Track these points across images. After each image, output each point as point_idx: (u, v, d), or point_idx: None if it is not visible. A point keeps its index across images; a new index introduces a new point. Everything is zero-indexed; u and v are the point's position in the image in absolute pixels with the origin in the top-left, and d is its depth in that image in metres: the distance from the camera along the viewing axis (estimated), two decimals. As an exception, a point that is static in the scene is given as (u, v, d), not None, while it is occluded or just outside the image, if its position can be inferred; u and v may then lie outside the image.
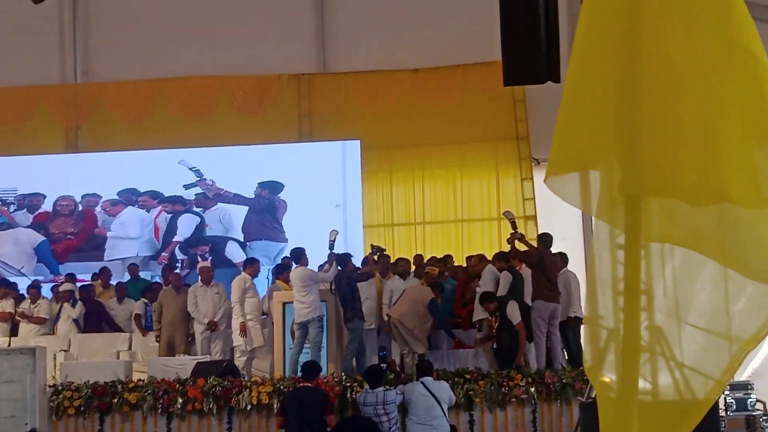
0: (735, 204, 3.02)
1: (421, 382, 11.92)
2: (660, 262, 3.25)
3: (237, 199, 20.65)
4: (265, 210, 20.52)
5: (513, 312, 13.46)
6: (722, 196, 3.02)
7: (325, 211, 19.91)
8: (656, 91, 3.09)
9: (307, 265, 14.81)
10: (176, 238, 20.62)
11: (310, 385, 11.81)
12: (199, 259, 19.09)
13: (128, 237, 20.65)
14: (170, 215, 20.68)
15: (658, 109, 3.08)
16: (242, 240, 20.49)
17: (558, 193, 3.32)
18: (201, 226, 20.70)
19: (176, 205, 20.68)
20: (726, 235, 3.13)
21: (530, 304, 14.17)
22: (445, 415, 11.76)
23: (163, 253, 20.42)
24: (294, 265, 15.09)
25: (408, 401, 11.85)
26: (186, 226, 20.67)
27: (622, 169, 3.13)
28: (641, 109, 3.09)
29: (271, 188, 20.55)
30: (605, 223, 3.35)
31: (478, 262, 15.36)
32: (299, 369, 14.01)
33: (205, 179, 20.68)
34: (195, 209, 20.71)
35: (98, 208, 20.74)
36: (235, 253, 20.29)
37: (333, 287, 14.61)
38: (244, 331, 14.83)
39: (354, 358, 14.25)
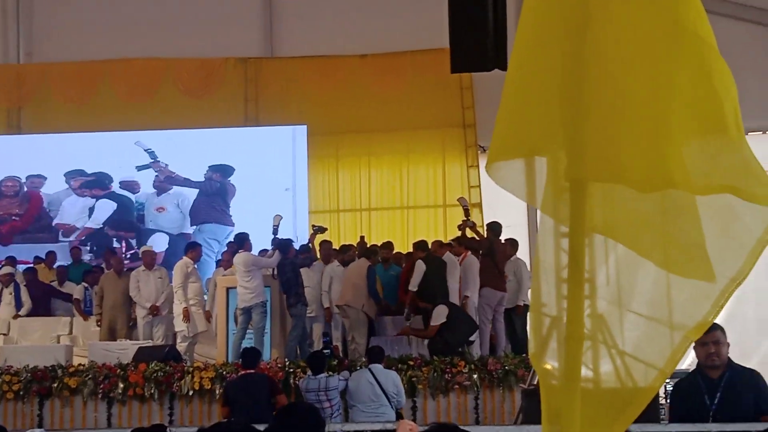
0: (679, 189, 3.02)
1: (369, 369, 11.82)
2: (603, 250, 3.25)
3: (187, 182, 20.48)
4: (216, 193, 20.41)
5: (437, 316, 13.45)
6: (667, 182, 3.01)
7: (275, 196, 19.82)
8: (602, 76, 3.07)
9: (250, 250, 14.73)
10: (88, 224, 20.41)
11: (251, 371, 11.71)
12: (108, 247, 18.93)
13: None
14: (94, 199, 20.52)
15: (604, 94, 3.06)
16: (188, 224, 20.35)
17: (500, 183, 3.29)
18: (124, 211, 20.46)
19: (94, 189, 20.48)
20: (669, 224, 3.13)
21: (468, 294, 14.31)
22: (391, 404, 11.60)
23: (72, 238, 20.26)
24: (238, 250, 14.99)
25: (354, 388, 11.68)
26: (102, 210, 20.47)
27: (567, 154, 3.10)
28: (587, 95, 3.07)
29: (223, 171, 20.44)
30: (549, 209, 3.33)
31: (438, 248, 15.39)
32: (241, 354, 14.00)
33: (159, 161, 20.48)
34: (120, 193, 20.47)
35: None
36: (160, 244, 20.04)
37: (275, 273, 14.56)
38: (186, 316, 14.74)
39: (297, 344, 14.23)
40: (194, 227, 20.32)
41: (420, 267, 14.36)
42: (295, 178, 20.28)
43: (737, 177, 3.01)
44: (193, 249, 15.69)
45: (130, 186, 20.59)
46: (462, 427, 3.56)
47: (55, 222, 20.48)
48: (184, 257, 15.46)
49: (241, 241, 14.83)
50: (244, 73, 20.90)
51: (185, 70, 20.75)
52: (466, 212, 15.20)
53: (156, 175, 20.54)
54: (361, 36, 20.15)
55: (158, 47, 20.55)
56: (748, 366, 6.77)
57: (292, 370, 13.03)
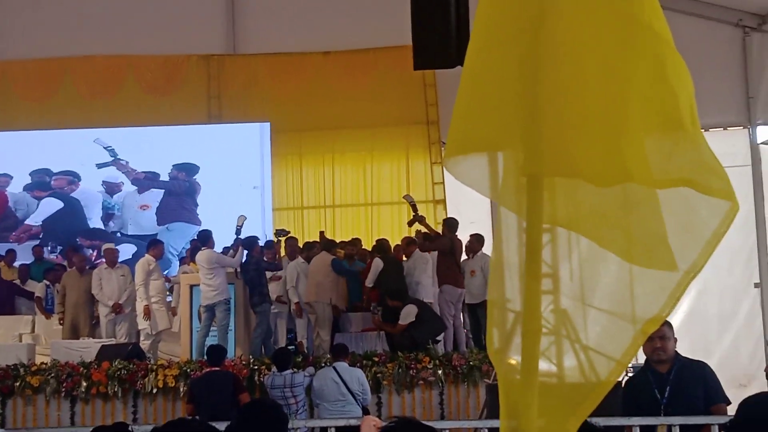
0: (637, 182, 3.06)
1: (334, 368, 11.80)
2: (567, 245, 3.28)
3: (154, 182, 20.37)
4: (185, 193, 20.32)
5: (406, 315, 13.51)
6: (624, 176, 3.05)
7: (242, 194, 19.80)
8: (558, 71, 3.09)
9: (213, 247, 14.70)
10: (29, 221, 20.30)
11: (216, 369, 11.69)
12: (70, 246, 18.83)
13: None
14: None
15: (559, 89, 3.09)
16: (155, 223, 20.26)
17: (459, 178, 3.31)
18: (69, 212, 20.35)
19: (35, 191, 20.40)
20: (629, 217, 3.17)
21: (437, 288, 14.44)
22: (357, 402, 11.54)
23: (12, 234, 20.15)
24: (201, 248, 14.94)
25: (319, 387, 11.62)
26: (43, 211, 20.38)
27: (524, 149, 3.13)
28: (542, 90, 3.09)
29: (188, 170, 20.34)
30: (512, 205, 3.36)
31: (406, 246, 15.48)
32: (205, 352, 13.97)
33: (120, 159, 20.36)
34: (61, 193, 20.36)
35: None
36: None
37: (239, 272, 14.55)
38: (147, 314, 14.70)
39: (262, 342, 14.24)
40: (162, 227, 20.20)
41: (377, 264, 14.50)
42: (263, 176, 20.24)
43: (694, 170, 3.05)
44: (155, 246, 15.62)
45: (112, 187, 20.44)
46: (424, 422, 3.59)
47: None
48: (146, 255, 15.41)
49: (205, 239, 14.80)
50: (207, 71, 20.82)
51: (148, 68, 20.64)
52: (414, 208, 15.32)
53: (124, 173, 20.39)
54: (325, 33, 20.13)
55: (121, 44, 20.40)
56: (697, 359, 6.86)
57: (256, 367, 13.04)
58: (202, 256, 14.37)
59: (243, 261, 14.54)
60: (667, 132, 3.11)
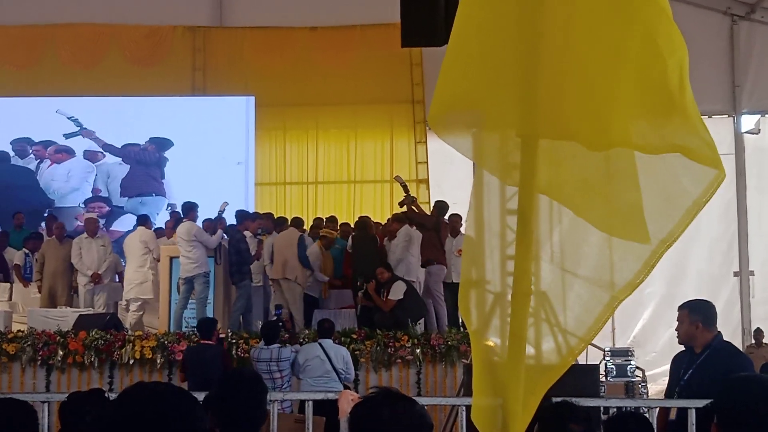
0: (629, 148, 3.06)
1: (320, 344, 11.77)
2: (549, 218, 3.28)
3: (118, 150, 20.25)
4: (155, 164, 20.21)
5: (396, 290, 13.49)
6: (618, 140, 3.05)
7: (226, 168, 19.73)
8: (555, 38, 3.09)
9: (195, 220, 14.62)
10: None
11: (210, 342, 11.75)
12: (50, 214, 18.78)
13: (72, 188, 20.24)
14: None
15: (556, 55, 3.09)
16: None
17: (442, 135, 3.30)
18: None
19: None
20: (609, 187, 3.17)
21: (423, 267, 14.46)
22: (340, 379, 11.52)
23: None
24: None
25: (304, 362, 11.55)
26: None
27: (519, 111, 3.13)
28: (540, 55, 3.09)
29: (158, 144, 20.21)
30: (496, 187, 3.36)
31: (392, 222, 15.47)
32: (183, 324, 13.94)
33: (86, 128, 20.19)
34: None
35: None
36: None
37: (219, 258, 14.47)
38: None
39: (241, 315, 14.20)
40: (136, 199, 20.11)
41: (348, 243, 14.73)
42: (248, 152, 20.14)
43: (684, 137, 3.06)
44: (148, 221, 15.90)
45: (93, 156, 20.32)
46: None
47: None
48: (142, 227, 15.49)
49: (187, 210, 14.69)
50: (192, 43, 20.70)
51: (132, 38, 20.50)
52: (405, 188, 15.29)
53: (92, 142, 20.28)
54: (312, 8, 20.02)
55: (106, 13, 20.24)
56: (736, 348, 6.83)
57: (234, 341, 13.02)
58: (182, 227, 14.29)
59: (227, 237, 14.48)
60: (659, 100, 3.11)
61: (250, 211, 16.22)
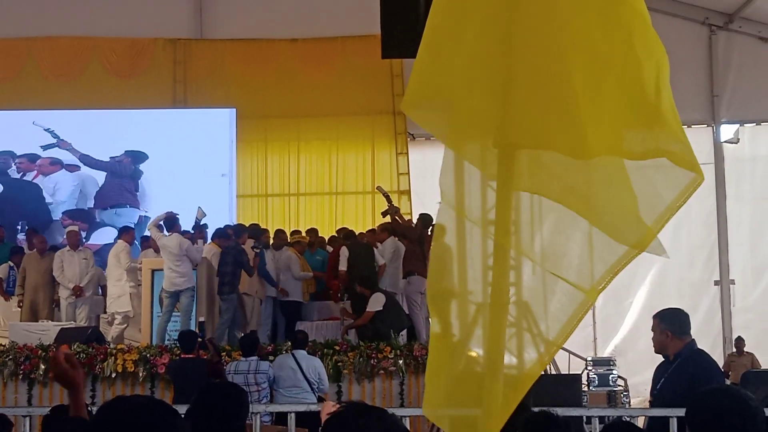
0: (610, 154, 3.07)
1: (293, 354, 11.79)
2: (530, 235, 3.29)
3: (97, 164, 20.17)
4: (129, 176, 20.13)
5: (374, 302, 13.47)
6: (597, 148, 3.06)
7: (210, 181, 19.68)
8: (532, 46, 3.11)
9: (180, 232, 14.57)
10: None
11: (190, 356, 11.70)
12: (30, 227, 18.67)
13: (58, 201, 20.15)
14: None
15: (532, 63, 3.10)
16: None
17: (418, 120, 3.32)
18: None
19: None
20: (593, 193, 3.18)
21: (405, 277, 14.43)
22: (312, 391, 11.56)
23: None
24: (166, 232, 14.77)
25: (276, 373, 11.63)
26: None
27: (496, 121, 3.14)
28: (516, 64, 3.11)
29: (134, 157, 20.12)
30: (477, 196, 3.37)
31: (380, 232, 15.48)
32: (166, 337, 13.88)
33: (63, 140, 20.08)
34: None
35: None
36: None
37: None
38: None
39: (227, 329, 14.14)
40: (111, 210, 20.03)
41: (344, 253, 14.47)
42: (232, 164, 20.10)
43: (664, 141, 3.08)
44: (126, 232, 15.83)
45: (71, 168, 20.24)
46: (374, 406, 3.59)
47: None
48: (120, 240, 15.46)
49: (173, 223, 14.62)
50: (173, 55, 20.67)
51: (113, 50, 20.46)
52: (388, 199, 15.31)
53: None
54: (292, 20, 20.05)
55: (86, 26, 20.21)
56: (704, 354, 6.82)
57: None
58: (173, 240, 14.18)
59: (224, 249, 14.43)
60: (637, 105, 3.12)
61: (247, 225, 16.14)
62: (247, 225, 15.99)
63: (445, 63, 3.23)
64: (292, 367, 11.57)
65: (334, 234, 17.19)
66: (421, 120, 3.38)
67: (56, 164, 20.15)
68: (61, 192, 20.20)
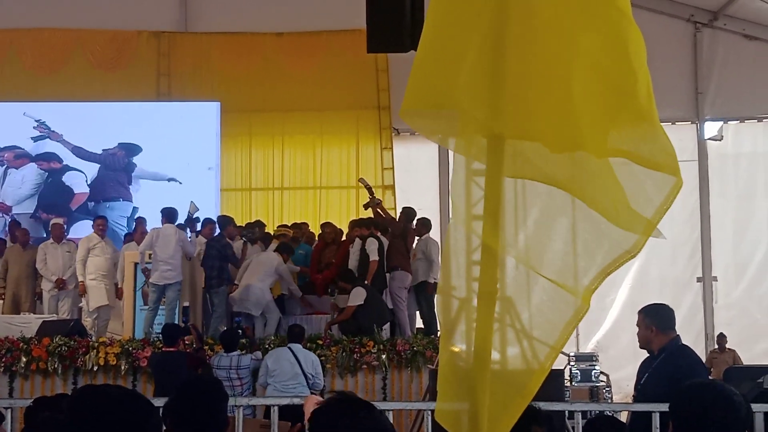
0: (588, 151, 3.08)
1: (290, 348, 11.77)
2: (513, 230, 3.29)
3: (91, 155, 20.09)
4: (122, 169, 20.06)
5: (355, 297, 13.42)
6: (578, 144, 3.07)
7: (197, 174, 19.64)
8: (523, 38, 3.12)
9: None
10: None
11: (171, 349, 11.67)
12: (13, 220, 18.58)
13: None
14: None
15: (523, 56, 3.11)
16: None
17: (415, 126, 3.32)
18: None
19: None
20: (577, 185, 3.18)
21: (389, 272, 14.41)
22: (308, 384, 11.54)
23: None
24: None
25: (273, 366, 11.60)
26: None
27: (485, 110, 3.14)
28: (507, 56, 3.11)
29: (127, 150, 20.04)
30: (462, 190, 3.37)
31: (353, 228, 15.41)
32: (152, 331, 13.81)
33: (54, 131, 20.01)
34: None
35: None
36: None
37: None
38: (83, 290, 14.61)
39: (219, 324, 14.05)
40: (104, 204, 19.94)
41: (372, 242, 14.28)
42: (218, 157, 20.02)
43: (642, 144, 3.09)
44: (94, 222, 15.72)
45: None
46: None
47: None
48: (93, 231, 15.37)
49: (172, 216, 14.50)
50: (157, 48, 20.58)
51: (97, 42, 20.36)
52: (370, 191, 15.28)
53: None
54: (278, 14, 19.99)
55: (69, 18, 20.10)
56: (688, 351, 6.81)
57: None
58: (170, 229, 14.11)
59: (208, 242, 14.37)
60: (621, 105, 3.13)
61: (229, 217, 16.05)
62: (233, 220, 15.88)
63: (444, 69, 3.23)
64: (290, 360, 11.54)
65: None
66: (422, 127, 3.38)
67: (23, 158, 20.03)
68: (27, 186, 20.09)
